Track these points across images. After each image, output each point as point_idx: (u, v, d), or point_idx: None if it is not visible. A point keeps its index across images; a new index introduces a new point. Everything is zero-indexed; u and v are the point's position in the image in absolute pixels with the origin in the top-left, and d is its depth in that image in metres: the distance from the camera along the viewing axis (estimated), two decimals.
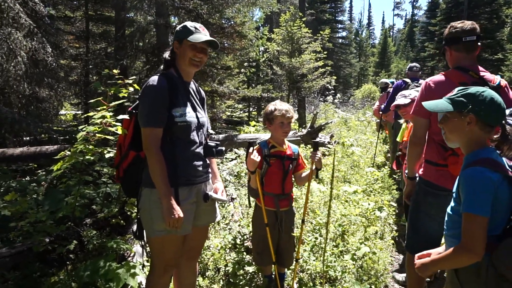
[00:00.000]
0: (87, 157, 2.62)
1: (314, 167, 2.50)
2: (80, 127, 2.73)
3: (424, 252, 1.70)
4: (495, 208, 1.39)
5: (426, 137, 2.33)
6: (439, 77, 2.28)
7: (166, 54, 2.11)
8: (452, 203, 1.61)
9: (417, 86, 5.10)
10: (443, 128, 1.61)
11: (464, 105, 1.48)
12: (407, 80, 5.53)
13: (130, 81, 3.01)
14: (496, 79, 2.24)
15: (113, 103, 2.68)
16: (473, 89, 1.50)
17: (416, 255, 1.71)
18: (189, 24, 2.03)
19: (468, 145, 1.53)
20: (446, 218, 1.65)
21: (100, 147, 2.72)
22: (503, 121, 1.51)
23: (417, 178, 2.45)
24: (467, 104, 1.47)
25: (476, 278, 1.47)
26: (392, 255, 3.65)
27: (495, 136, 1.51)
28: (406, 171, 2.54)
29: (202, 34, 2.00)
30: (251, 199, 2.83)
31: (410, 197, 2.52)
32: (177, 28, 2.06)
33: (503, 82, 2.23)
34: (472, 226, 1.40)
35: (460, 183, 1.48)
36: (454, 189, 1.58)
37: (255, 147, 2.56)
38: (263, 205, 2.58)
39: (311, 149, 2.52)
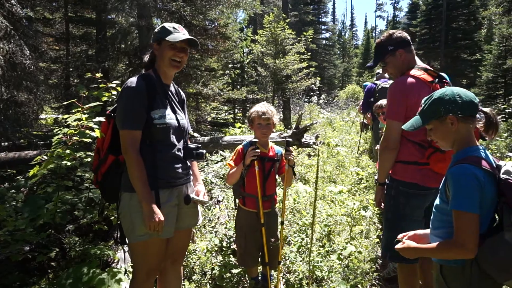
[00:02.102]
0: (64, 162, 2.56)
1: (287, 166, 2.56)
2: (55, 130, 2.67)
3: (410, 233, 1.73)
4: (480, 206, 1.42)
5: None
6: (408, 78, 2.25)
7: (146, 57, 2.08)
8: (437, 201, 1.63)
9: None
10: (434, 139, 1.65)
11: (438, 111, 1.54)
12: (377, 82, 5.73)
13: (114, 85, 2.96)
14: None
15: (88, 106, 2.63)
16: (436, 94, 1.58)
17: (400, 236, 1.72)
18: (167, 24, 2.01)
19: (458, 143, 1.57)
20: (432, 217, 1.66)
21: (80, 151, 2.66)
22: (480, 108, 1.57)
23: (388, 183, 2.38)
24: (440, 109, 1.54)
25: (461, 276, 1.50)
26: (378, 254, 3.69)
27: (480, 124, 1.57)
28: (376, 177, 2.47)
29: (180, 34, 1.98)
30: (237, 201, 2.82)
31: (381, 203, 2.47)
32: (156, 29, 2.04)
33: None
34: (464, 223, 1.42)
35: (448, 181, 1.50)
36: (441, 186, 1.60)
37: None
38: (260, 205, 2.57)
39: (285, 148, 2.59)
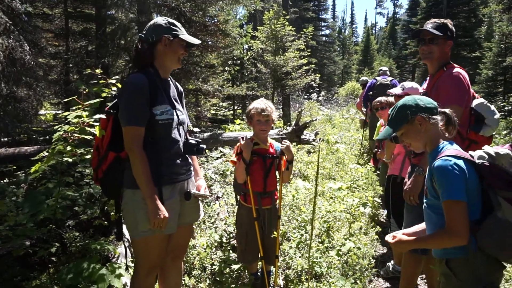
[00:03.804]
0: (65, 158, 2.56)
1: (282, 160, 2.61)
2: (55, 127, 2.67)
3: (405, 231, 1.82)
4: (467, 193, 1.49)
5: None
6: (464, 72, 2.38)
7: (141, 45, 1.97)
8: (427, 199, 1.68)
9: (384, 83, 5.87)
10: (407, 143, 1.76)
11: (406, 116, 1.67)
12: (378, 78, 6.29)
13: (114, 81, 2.96)
14: None
15: (88, 102, 2.63)
16: (400, 103, 1.74)
17: (391, 235, 1.77)
18: (170, 20, 2.02)
19: (430, 142, 1.68)
20: (425, 216, 1.71)
21: (80, 147, 2.67)
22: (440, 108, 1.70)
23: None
24: (407, 112, 1.67)
25: (467, 265, 1.55)
26: (377, 250, 3.71)
27: (441, 123, 1.68)
28: (420, 168, 2.30)
29: (187, 35, 2.02)
30: (238, 197, 2.83)
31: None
32: (161, 23, 1.98)
33: None
34: (454, 212, 1.49)
35: (434, 177, 1.57)
36: (426, 183, 1.67)
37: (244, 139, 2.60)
38: (252, 201, 2.58)
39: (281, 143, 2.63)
